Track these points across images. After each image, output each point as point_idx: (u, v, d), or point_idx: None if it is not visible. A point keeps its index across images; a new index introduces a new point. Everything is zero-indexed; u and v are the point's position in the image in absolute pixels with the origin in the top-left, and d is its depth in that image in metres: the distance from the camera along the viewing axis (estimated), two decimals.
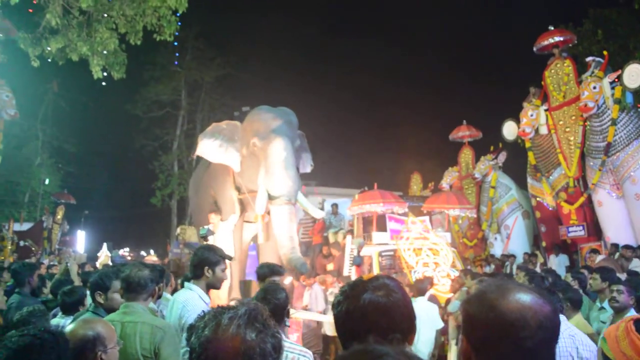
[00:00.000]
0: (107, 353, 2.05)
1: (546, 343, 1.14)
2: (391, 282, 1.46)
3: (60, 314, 4.25)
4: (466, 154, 16.22)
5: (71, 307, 4.16)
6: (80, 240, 24.52)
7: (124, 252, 33.63)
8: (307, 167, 9.26)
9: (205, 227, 8.30)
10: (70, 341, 1.98)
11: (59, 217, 18.85)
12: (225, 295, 8.01)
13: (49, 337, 1.79)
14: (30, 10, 11.52)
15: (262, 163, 7.91)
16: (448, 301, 7.60)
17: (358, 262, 9.43)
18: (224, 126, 8.81)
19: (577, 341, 2.99)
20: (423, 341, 6.06)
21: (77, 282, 5.92)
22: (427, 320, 6.20)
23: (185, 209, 27.36)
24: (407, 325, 1.44)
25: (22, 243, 16.42)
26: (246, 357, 1.21)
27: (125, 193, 30.86)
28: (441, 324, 6.47)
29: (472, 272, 7.88)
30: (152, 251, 34.97)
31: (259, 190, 7.90)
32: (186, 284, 3.45)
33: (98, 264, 20.38)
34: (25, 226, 18.28)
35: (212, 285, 3.41)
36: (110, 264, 20.48)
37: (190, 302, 3.26)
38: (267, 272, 3.96)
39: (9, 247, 14.79)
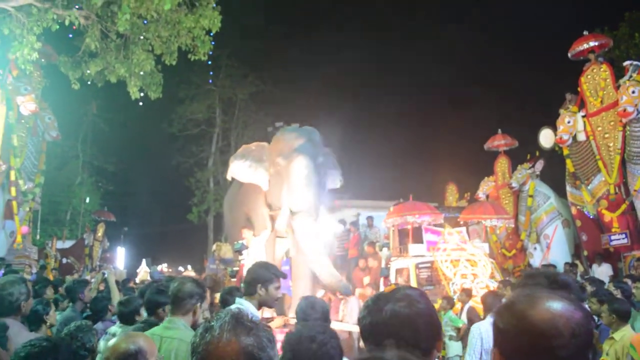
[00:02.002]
0: None
1: (580, 351, 1.12)
2: (414, 292, 1.48)
3: (117, 323, 4.36)
4: (502, 163, 15.99)
5: (129, 316, 4.26)
6: (120, 256, 25.06)
7: (163, 268, 34.25)
8: (337, 183, 9.43)
9: (240, 242, 8.51)
10: (112, 356, 2.07)
11: (99, 234, 19.32)
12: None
13: (47, 344, 2.28)
14: (70, 36, 11.95)
15: (285, 181, 8.21)
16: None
17: (385, 273, 9.52)
18: (253, 148, 9.23)
19: None
20: None
21: (117, 293, 6.07)
22: None
23: (221, 225, 27.65)
24: (432, 334, 1.46)
25: (64, 260, 16.88)
26: (248, 356, 1.28)
27: (163, 210, 31.44)
28: None
29: (512, 283, 7.75)
30: (189, 266, 35.45)
31: (282, 207, 8.23)
32: (237, 299, 3.45)
33: (137, 280, 20.85)
34: (68, 244, 18.79)
35: (265, 303, 3.39)
36: (149, 279, 20.94)
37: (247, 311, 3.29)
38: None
39: (52, 265, 15.21)
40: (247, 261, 8.37)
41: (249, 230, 8.87)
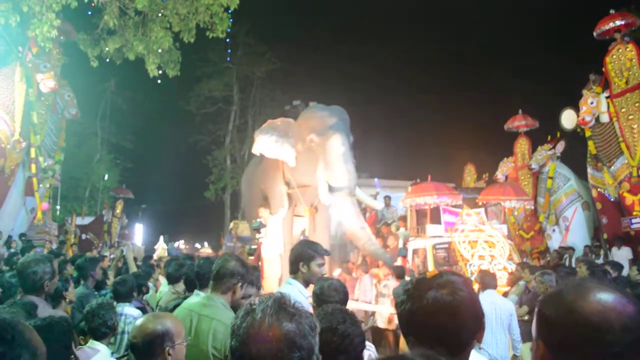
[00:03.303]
0: (174, 348, 2.10)
1: (632, 346, 1.04)
2: (457, 278, 1.41)
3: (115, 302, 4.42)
4: (522, 144, 15.77)
5: (125, 296, 4.32)
6: (138, 233, 25.34)
7: (180, 244, 34.60)
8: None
9: (257, 220, 8.52)
10: (139, 335, 2.06)
11: (118, 211, 19.49)
12: (276, 285, 8.12)
13: (41, 324, 2.30)
14: (89, 13, 11.91)
15: (320, 158, 8.23)
16: (505, 295, 7.43)
17: (403, 253, 9.48)
18: (279, 123, 9.14)
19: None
20: (490, 343, 5.46)
21: (135, 269, 6.11)
22: (496, 319, 5.58)
23: (238, 202, 27.82)
24: (474, 323, 1.41)
25: (84, 236, 17.08)
26: (289, 342, 1.25)
27: (180, 187, 31.68)
28: (517, 333, 5.76)
29: (530, 265, 7.68)
30: (206, 244, 35.79)
31: (319, 184, 8.24)
32: (286, 279, 3.48)
33: (155, 256, 21.06)
34: (87, 220, 19.01)
35: (308, 280, 3.37)
36: (167, 255, 21.15)
37: (291, 295, 3.26)
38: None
39: (72, 240, 15.40)
40: (265, 239, 8.38)
41: (266, 209, 8.84)
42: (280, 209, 8.76)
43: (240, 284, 2.88)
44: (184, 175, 31.05)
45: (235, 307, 3.07)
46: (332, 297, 2.86)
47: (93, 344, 3.08)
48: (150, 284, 6.19)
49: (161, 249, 21.85)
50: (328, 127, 8.24)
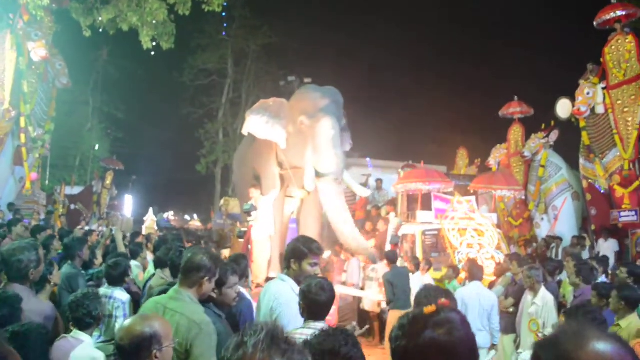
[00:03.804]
0: (162, 351, 2.07)
1: None
2: (455, 316, 1.37)
3: (106, 284, 4.41)
4: (516, 131, 15.74)
5: (117, 279, 4.30)
6: (128, 204, 25.22)
7: (169, 216, 34.59)
8: (347, 147, 9.28)
9: (249, 203, 8.42)
10: (126, 337, 2.03)
11: (107, 182, 19.40)
12: (265, 269, 8.13)
13: (18, 331, 2.32)
14: None
15: (309, 141, 8.08)
16: (491, 285, 7.48)
17: (395, 241, 9.48)
18: (271, 103, 8.94)
19: None
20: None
21: (124, 250, 6.07)
22: (478, 309, 5.91)
23: (229, 177, 27.78)
24: None
25: (72, 207, 16.98)
26: None
27: (172, 159, 31.46)
28: (496, 322, 6.05)
29: (519, 257, 7.71)
30: (195, 216, 35.83)
31: (306, 168, 8.10)
32: (279, 274, 3.45)
33: (144, 228, 21.06)
34: (76, 190, 18.91)
35: (299, 278, 3.31)
36: (156, 227, 21.14)
37: (282, 294, 3.23)
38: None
39: (60, 211, 15.31)
40: (256, 223, 8.32)
41: (257, 189, 8.75)
42: (272, 190, 8.65)
43: (207, 277, 2.85)
44: (175, 148, 30.90)
45: (225, 302, 3.07)
46: (319, 296, 2.83)
47: (77, 334, 3.05)
48: (137, 263, 6.17)
49: (150, 220, 21.82)
50: (319, 109, 8.08)
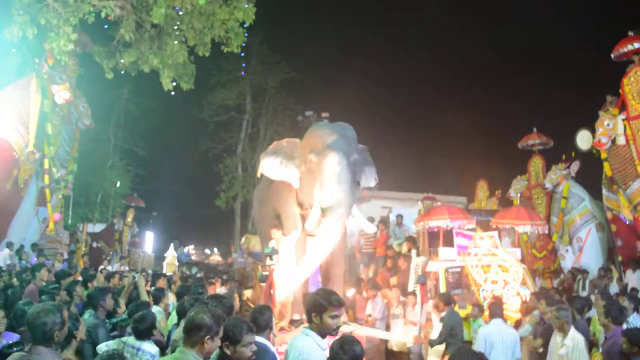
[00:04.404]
0: None
1: None
2: None
3: (133, 337, 4.37)
4: (536, 163, 15.62)
5: (145, 333, 4.28)
6: (149, 241, 25.41)
7: (189, 250, 34.70)
8: (371, 181, 9.13)
9: (270, 245, 8.32)
10: None
11: (129, 219, 19.57)
12: (289, 309, 8.03)
13: None
14: (106, 26, 11.97)
15: (317, 178, 7.88)
16: (518, 324, 7.33)
17: (422, 281, 9.19)
18: (284, 144, 8.93)
19: None
20: None
21: (146, 297, 6.05)
22: (502, 347, 5.96)
23: (248, 211, 27.85)
24: None
25: (95, 244, 17.13)
26: None
27: (191, 195, 31.77)
28: (518, 357, 6.13)
29: (547, 294, 7.55)
30: (215, 249, 35.90)
31: (313, 205, 7.91)
32: (303, 329, 3.44)
33: (165, 264, 21.13)
34: (98, 227, 19.10)
35: (322, 332, 3.32)
36: (177, 263, 21.19)
37: (307, 349, 3.24)
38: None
39: (83, 250, 15.44)
40: (278, 266, 8.21)
41: (278, 230, 8.67)
42: (293, 230, 8.57)
43: (208, 336, 2.89)
44: (195, 183, 31.22)
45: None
46: (339, 356, 2.85)
47: None
48: (159, 309, 6.15)
49: (171, 257, 21.93)
50: (325, 146, 7.85)
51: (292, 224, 8.63)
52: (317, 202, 7.75)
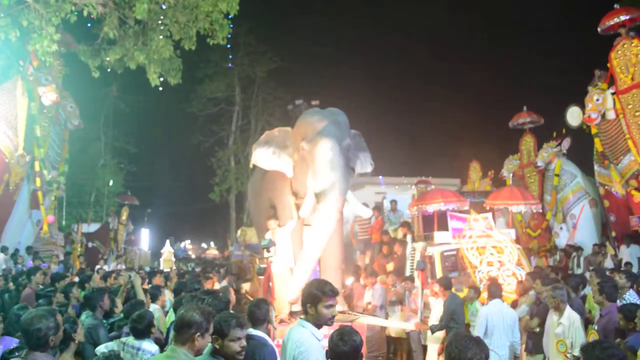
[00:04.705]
0: None
1: None
2: None
3: (132, 337, 4.38)
4: (527, 141, 15.66)
5: (143, 332, 4.29)
6: (145, 238, 25.39)
7: (186, 245, 34.71)
8: (367, 167, 9.09)
9: (267, 238, 8.31)
10: None
11: (123, 218, 19.54)
12: (285, 301, 7.99)
13: None
14: (89, 25, 11.87)
15: (310, 166, 7.81)
16: (515, 304, 7.38)
17: (421, 266, 9.05)
18: (276, 133, 8.81)
19: None
20: (497, 345, 5.99)
21: (142, 296, 6.06)
22: (503, 327, 6.16)
23: (243, 203, 27.86)
24: None
25: (90, 244, 17.10)
26: None
27: (185, 189, 31.74)
28: (517, 336, 6.28)
29: (542, 274, 7.60)
30: (212, 243, 35.91)
31: (307, 193, 7.81)
32: (299, 320, 3.46)
33: (162, 261, 21.14)
34: (93, 227, 19.05)
35: (317, 322, 3.35)
36: (174, 259, 21.18)
37: (303, 341, 3.27)
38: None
39: (79, 250, 15.42)
40: (275, 257, 8.20)
41: (275, 221, 8.64)
42: (289, 220, 8.52)
43: (198, 334, 2.95)
44: (188, 178, 31.22)
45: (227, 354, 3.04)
46: (339, 347, 2.89)
47: None
48: (157, 306, 6.16)
49: (167, 253, 21.90)
50: (317, 132, 7.77)
51: (287, 214, 8.60)
52: (311, 190, 7.67)
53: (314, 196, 7.63)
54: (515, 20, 26.83)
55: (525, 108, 15.72)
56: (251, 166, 8.89)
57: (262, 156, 8.53)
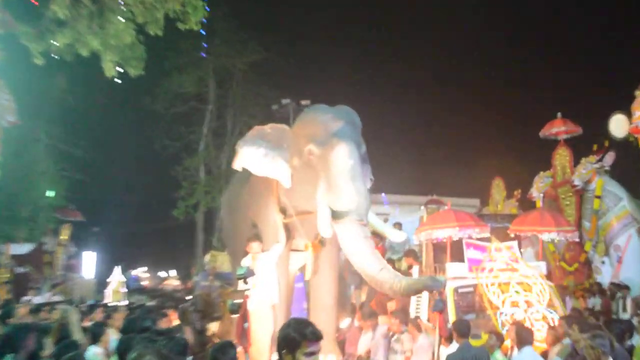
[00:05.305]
0: None
1: None
2: None
3: None
4: (562, 155, 15.80)
5: None
6: (89, 263, 25.13)
7: (141, 272, 34.53)
8: (367, 182, 9.04)
9: (244, 265, 8.14)
10: None
11: (63, 237, 19.40)
12: (268, 349, 7.93)
13: None
14: (35, 2, 11.87)
15: (321, 176, 7.74)
16: (545, 355, 7.40)
17: (439, 307, 8.49)
18: (269, 130, 8.62)
19: None
20: None
21: (80, 336, 6.03)
22: None
23: (213, 223, 27.76)
24: None
25: (20, 270, 16.90)
26: None
27: (143, 204, 31.53)
28: None
29: (580, 318, 7.63)
30: (172, 272, 35.76)
31: (319, 209, 7.70)
32: None
33: (109, 292, 20.97)
34: (25, 248, 18.83)
35: None
36: (124, 290, 21.00)
37: None
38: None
39: (5, 277, 15.23)
40: (254, 290, 8.09)
41: (258, 244, 8.45)
42: (274, 244, 8.41)
43: None
44: (147, 190, 31.00)
45: None
46: None
47: None
48: (99, 349, 6.13)
49: (116, 282, 21.68)
50: (331, 134, 7.71)
51: (272, 237, 8.49)
52: (324, 205, 7.63)
53: (328, 210, 7.60)
54: (553, 17, 27.12)
55: (559, 115, 15.90)
56: (238, 168, 8.53)
57: (251, 157, 8.28)
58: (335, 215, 7.58)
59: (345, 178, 7.52)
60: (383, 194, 19.09)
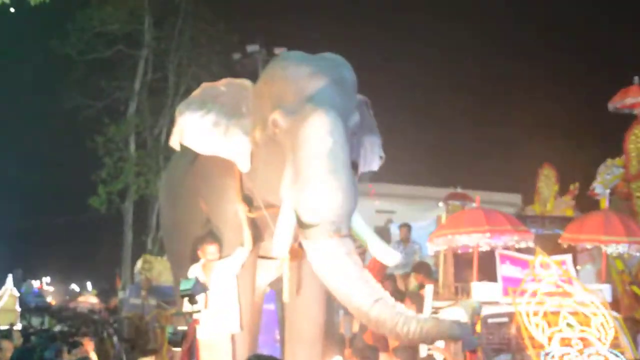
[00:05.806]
0: None
1: None
2: None
3: None
4: (638, 137, 15.91)
5: None
6: None
7: (43, 284, 34.49)
8: (374, 162, 8.73)
9: (191, 275, 8.06)
10: None
11: None
12: None
13: None
14: None
15: (288, 158, 7.26)
16: None
17: (474, 345, 8.53)
18: (223, 89, 8.29)
19: None
20: None
21: None
22: None
23: (147, 217, 27.79)
24: None
25: None
26: None
27: (47, 190, 31.45)
28: None
29: None
30: (89, 284, 35.74)
31: (281, 210, 7.23)
32: None
33: None
34: None
35: None
36: (18, 309, 21.04)
37: None
38: None
39: None
40: (206, 314, 8.01)
41: (214, 246, 8.25)
42: (235, 248, 8.17)
43: None
44: (55, 169, 30.91)
45: None
46: None
47: None
48: None
49: (8, 296, 21.72)
50: (305, 98, 7.17)
51: (233, 236, 8.35)
52: (289, 204, 7.13)
53: (294, 215, 7.05)
54: None
55: (637, 80, 15.96)
56: (176, 145, 8.38)
57: (194, 128, 7.97)
58: (303, 225, 7.00)
59: (319, 167, 6.87)
60: (370, 185, 18.66)
